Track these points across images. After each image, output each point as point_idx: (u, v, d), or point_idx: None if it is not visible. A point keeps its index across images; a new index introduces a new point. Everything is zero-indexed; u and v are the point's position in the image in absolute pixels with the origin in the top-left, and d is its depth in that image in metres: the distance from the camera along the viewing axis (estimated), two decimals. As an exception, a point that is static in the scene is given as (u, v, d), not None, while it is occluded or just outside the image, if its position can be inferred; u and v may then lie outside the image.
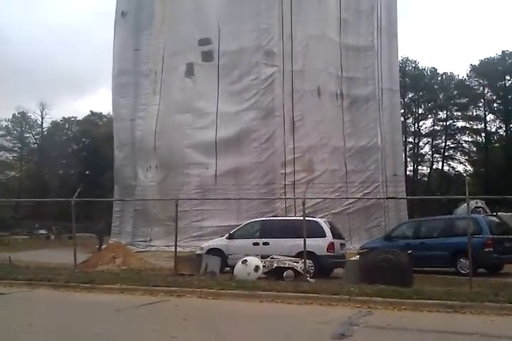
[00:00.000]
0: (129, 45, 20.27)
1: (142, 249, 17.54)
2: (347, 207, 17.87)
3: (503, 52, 42.72)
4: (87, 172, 46.23)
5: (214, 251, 10.76)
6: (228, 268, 9.97)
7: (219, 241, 11.45)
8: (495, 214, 15.15)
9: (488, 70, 42.56)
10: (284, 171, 17.45)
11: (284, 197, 16.50)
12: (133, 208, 19.26)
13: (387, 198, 18.14)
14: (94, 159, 41.27)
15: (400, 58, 29.34)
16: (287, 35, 18.04)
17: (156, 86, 19.27)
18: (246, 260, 8.89)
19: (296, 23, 18.11)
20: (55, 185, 41.94)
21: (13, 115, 47.16)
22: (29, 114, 47.43)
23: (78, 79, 60.52)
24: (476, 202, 17.44)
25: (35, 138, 48.96)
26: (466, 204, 9.24)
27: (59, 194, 26.66)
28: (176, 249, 9.68)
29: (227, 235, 11.34)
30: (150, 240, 18.27)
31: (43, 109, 46.62)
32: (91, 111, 49.41)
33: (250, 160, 17.52)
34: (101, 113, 47.99)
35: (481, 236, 10.18)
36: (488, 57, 43.43)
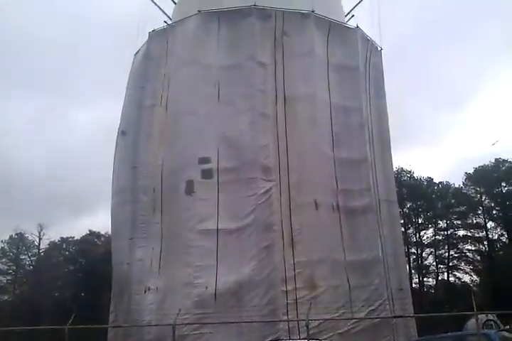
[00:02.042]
0: (127, 163, 20.69)
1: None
2: (353, 326, 16.80)
3: (496, 159, 43.99)
4: (83, 294, 44.67)
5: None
6: None
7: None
8: (508, 327, 14.26)
9: (484, 178, 43.45)
10: (285, 288, 16.72)
11: (286, 319, 15.70)
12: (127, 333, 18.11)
13: (394, 317, 17.20)
14: (91, 280, 40.19)
15: (395, 168, 29.99)
16: (283, 151, 18.54)
17: (155, 203, 19.29)
18: None
19: (291, 140, 18.70)
20: (49, 308, 40.31)
21: (10, 236, 47.02)
22: (26, 235, 47.35)
23: (78, 199, 61.07)
24: (487, 315, 16.54)
25: (31, 260, 48.18)
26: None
27: (53, 318, 25.56)
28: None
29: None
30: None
31: (41, 230, 46.65)
32: (89, 231, 49.36)
33: (250, 277, 16.88)
34: (99, 232, 47.92)
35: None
36: (482, 164, 44.49)
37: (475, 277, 45.42)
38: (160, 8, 24.59)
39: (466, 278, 44.93)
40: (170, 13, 24.76)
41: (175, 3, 24.37)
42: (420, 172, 47.97)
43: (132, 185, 20.21)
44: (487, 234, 44.61)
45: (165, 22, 23.83)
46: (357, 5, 24.30)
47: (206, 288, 16.91)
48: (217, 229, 17.48)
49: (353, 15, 24.81)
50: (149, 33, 21.93)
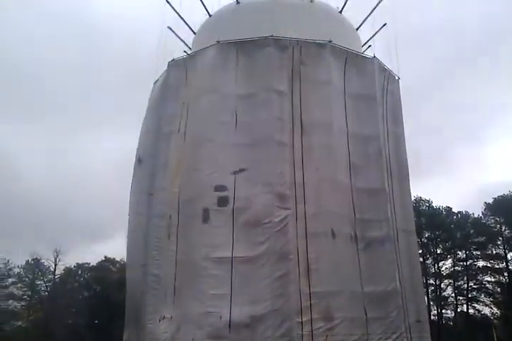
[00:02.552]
0: (144, 190, 20.85)
1: None
2: (370, 359, 16.40)
3: (516, 189, 43.36)
4: (96, 321, 44.36)
5: None
6: None
7: None
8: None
9: (503, 208, 42.82)
10: (300, 319, 16.39)
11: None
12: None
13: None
14: (105, 307, 39.95)
15: (413, 198, 29.64)
16: (299, 179, 18.46)
17: (170, 230, 19.21)
18: None
19: (307, 168, 18.65)
20: (63, 335, 40.04)
21: (27, 261, 47.21)
22: (42, 261, 47.50)
23: (94, 225, 61.64)
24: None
25: (46, 286, 48.19)
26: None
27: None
28: None
29: None
30: None
31: (57, 256, 46.83)
32: (105, 257, 49.40)
33: (265, 307, 16.59)
34: (114, 258, 47.92)
35: None
36: (502, 194, 43.97)
37: (495, 309, 44.34)
38: (179, 38, 25.12)
39: (486, 311, 43.89)
40: (189, 41, 25.29)
41: (194, 33, 24.86)
42: (439, 201, 47.56)
43: (148, 211, 20.26)
44: (507, 266, 43.71)
45: (184, 51, 24.30)
46: (373, 36, 24.50)
47: (220, 317, 16.64)
48: (232, 257, 17.32)
49: (369, 46, 25.05)
50: (169, 62, 22.31)
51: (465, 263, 45.00)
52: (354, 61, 21.28)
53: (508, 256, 43.70)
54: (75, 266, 49.39)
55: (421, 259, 34.13)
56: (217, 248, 17.71)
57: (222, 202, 18.43)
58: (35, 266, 47.45)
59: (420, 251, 35.91)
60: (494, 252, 44.75)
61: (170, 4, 23.54)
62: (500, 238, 44.55)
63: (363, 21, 24.36)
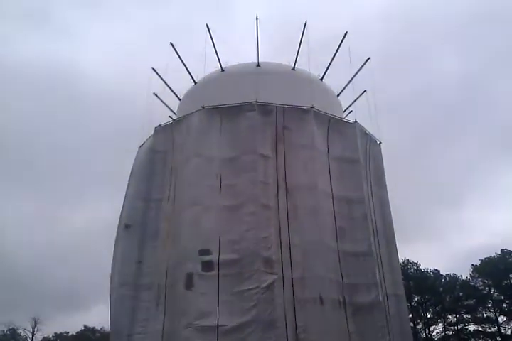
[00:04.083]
0: (131, 258, 20.04)
1: None
2: None
3: (502, 250, 43.37)
4: None
5: None
6: None
7: None
8: None
9: (491, 270, 42.48)
10: None
11: None
12: None
13: None
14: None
15: (401, 261, 29.32)
16: (285, 242, 18.19)
17: (159, 299, 18.53)
18: None
19: (293, 232, 18.44)
20: None
21: (2, 332, 44.97)
22: (19, 331, 45.35)
23: (72, 294, 59.57)
24: None
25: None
26: None
27: None
28: None
29: None
30: None
31: (35, 325, 44.86)
32: (84, 326, 47.38)
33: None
34: (94, 327, 45.91)
35: None
36: (488, 256, 43.80)
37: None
38: (165, 104, 25.62)
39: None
40: (173, 107, 25.78)
41: (179, 99, 25.40)
42: (426, 264, 47.11)
43: (135, 280, 19.51)
44: (499, 329, 42.68)
45: (170, 117, 24.76)
46: (354, 102, 25.27)
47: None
48: (218, 325, 16.64)
49: (351, 111, 25.77)
50: (156, 127, 22.60)
51: (456, 327, 43.99)
52: (336, 126, 21.78)
53: (500, 320, 42.87)
54: (53, 336, 47.22)
55: (411, 324, 33.17)
56: (201, 315, 17.04)
57: (207, 266, 17.95)
58: (10, 337, 45.15)
59: (410, 316, 34.99)
60: (485, 315, 43.92)
61: (156, 71, 24.21)
62: (490, 301, 43.90)
63: (344, 88, 25.22)
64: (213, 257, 17.92)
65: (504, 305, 43.46)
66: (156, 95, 24.86)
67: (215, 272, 17.69)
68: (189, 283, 17.82)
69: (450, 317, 44.68)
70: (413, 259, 45.33)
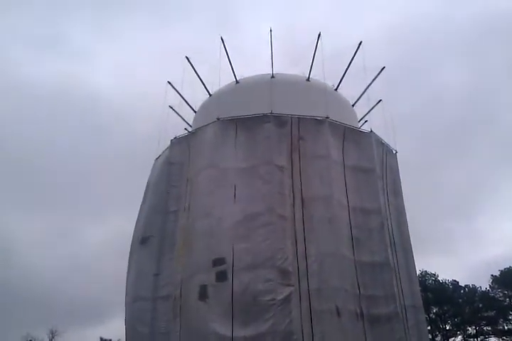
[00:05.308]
0: (148, 271, 20.07)
1: None
2: None
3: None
4: None
5: None
6: None
7: None
8: None
9: (511, 280, 41.77)
10: None
11: None
12: None
13: None
14: None
15: (418, 272, 28.97)
16: (301, 253, 18.08)
17: (175, 312, 18.45)
18: None
19: (309, 243, 18.34)
20: None
21: (20, 344, 45.22)
22: (36, 343, 45.53)
23: (89, 307, 59.88)
24: None
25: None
26: None
27: None
28: None
29: None
30: None
31: (53, 337, 45.06)
32: (101, 338, 47.51)
33: None
34: (110, 340, 46.01)
35: None
36: (508, 267, 43.14)
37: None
38: (181, 117, 25.79)
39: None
40: (189, 119, 25.96)
41: (195, 111, 25.59)
42: (444, 275, 46.44)
43: (153, 293, 19.54)
44: (521, 342, 41.79)
45: (185, 129, 24.90)
46: (369, 111, 25.22)
47: None
48: (232, 337, 16.54)
49: (366, 121, 25.71)
50: (172, 140, 22.79)
51: (476, 339, 43.17)
52: (352, 136, 21.73)
53: (521, 332, 41.99)
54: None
55: (430, 336, 32.68)
56: (216, 327, 16.98)
57: (221, 277, 17.87)
58: (28, 349, 45.44)
59: (429, 328, 34.46)
60: (506, 328, 43.04)
61: (171, 85, 24.43)
62: (511, 312, 43.06)
63: (359, 98, 25.19)
64: (227, 267, 17.82)
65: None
66: (172, 108, 25.06)
67: (229, 282, 17.59)
68: (203, 294, 17.79)
69: (470, 329, 43.93)
70: (431, 270, 44.84)
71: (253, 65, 23.56)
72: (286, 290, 17.19)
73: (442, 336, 43.79)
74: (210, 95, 24.85)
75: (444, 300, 43.45)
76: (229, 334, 16.66)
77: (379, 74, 23.68)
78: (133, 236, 21.73)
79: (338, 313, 17.25)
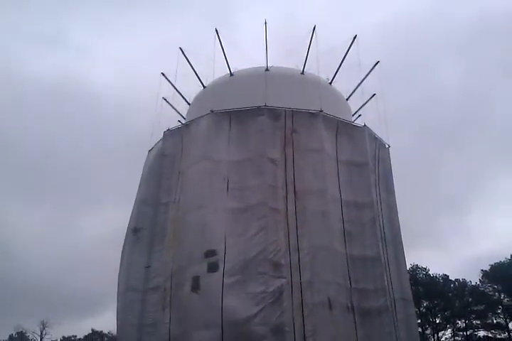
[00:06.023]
0: (139, 262, 20.15)
1: None
2: None
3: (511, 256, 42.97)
4: None
5: None
6: None
7: None
8: None
9: (501, 275, 42.13)
10: None
11: None
12: None
13: None
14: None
15: (409, 266, 29.16)
16: (294, 246, 18.13)
17: (164, 302, 18.51)
18: None
19: (301, 236, 18.38)
20: None
21: (10, 336, 45.08)
22: (28, 334, 45.51)
23: (81, 298, 59.83)
24: None
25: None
26: None
27: None
28: None
29: None
30: None
31: (44, 328, 45.03)
32: (92, 330, 47.50)
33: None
34: (101, 331, 46.04)
35: None
36: (498, 261, 43.46)
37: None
38: (174, 108, 25.67)
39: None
40: (182, 112, 25.86)
41: (189, 103, 25.48)
42: (435, 269, 46.74)
43: (144, 284, 19.59)
44: (509, 336, 42.24)
45: (179, 121, 24.80)
46: (363, 106, 25.23)
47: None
48: (222, 328, 16.57)
49: (359, 115, 25.72)
50: (164, 132, 22.68)
51: (465, 333, 43.60)
52: (345, 129, 21.73)
53: (510, 326, 42.42)
54: (61, 340, 47.43)
55: (420, 330, 32.96)
56: (207, 318, 16.98)
57: (212, 268, 17.84)
58: (19, 340, 45.29)
59: (419, 321, 34.75)
60: (495, 321, 43.49)
61: (165, 76, 24.30)
62: (500, 306, 43.48)
63: (353, 92, 25.18)
64: (219, 258, 17.82)
65: (514, 311, 43.09)
66: (165, 100, 24.93)
67: (220, 274, 17.59)
68: (195, 286, 17.82)
69: (459, 322, 44.34)
70: (422, 264, 45.15)
71: (247, 58, 23.42)
72: (278, 283, 17.26)
73: (432, 329, 44.19)
74: (204, 87, 24.76)
75: (435, 294, 43.79)
76: (220, 325, 16.68)
77: (373, 68, 23.67)
78: (127, 227, 21.74)
79: (330, 306, 17.34)
